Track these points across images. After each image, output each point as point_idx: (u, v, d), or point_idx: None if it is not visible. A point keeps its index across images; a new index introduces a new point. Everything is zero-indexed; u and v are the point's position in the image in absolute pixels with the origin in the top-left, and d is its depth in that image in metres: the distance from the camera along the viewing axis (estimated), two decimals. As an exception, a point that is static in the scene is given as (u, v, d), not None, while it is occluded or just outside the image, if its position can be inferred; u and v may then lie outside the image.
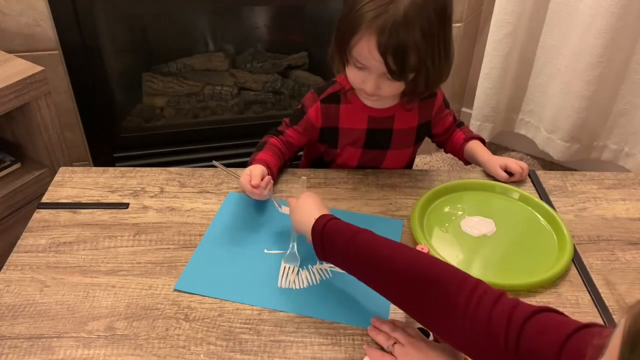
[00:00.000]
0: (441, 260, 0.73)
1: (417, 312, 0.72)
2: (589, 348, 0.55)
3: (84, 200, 1.05)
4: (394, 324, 0.79)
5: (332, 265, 0.92)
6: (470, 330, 0.65)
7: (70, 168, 1.14)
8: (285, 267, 0.91)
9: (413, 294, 0.71)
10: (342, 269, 0.81)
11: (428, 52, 0.91)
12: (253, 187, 0.96)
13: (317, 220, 0.82)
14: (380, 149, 1.13)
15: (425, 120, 1.13)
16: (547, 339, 0.59)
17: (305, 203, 0.88)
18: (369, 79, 0.96)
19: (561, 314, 0.64)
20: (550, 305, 0.65)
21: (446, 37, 0.94)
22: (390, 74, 0.92)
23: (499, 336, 0.62)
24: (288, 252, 0.93)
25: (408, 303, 0.73)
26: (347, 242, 0.77)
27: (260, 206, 1.04)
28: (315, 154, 1.19)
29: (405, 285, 0.71)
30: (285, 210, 0.97)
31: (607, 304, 0.86)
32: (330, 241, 0.80)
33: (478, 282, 0.68)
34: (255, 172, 0.98)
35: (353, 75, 0.98)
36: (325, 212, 0.85)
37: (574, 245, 0.96)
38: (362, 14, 0.89)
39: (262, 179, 0.97)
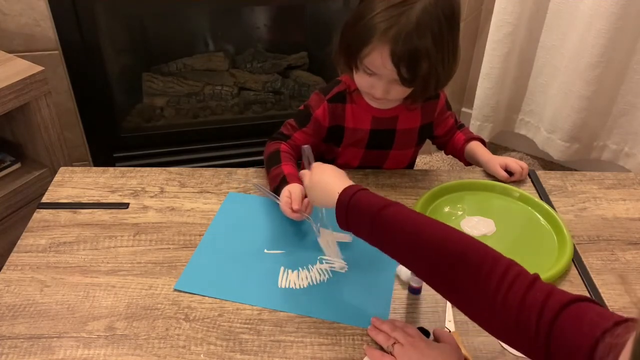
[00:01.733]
0: (472, 238, 0.69)
1: (446, 291, 0.69)
2: (601, 345, 0.54)
3: (84, 200, 1.05)
4: (393, 324, 0.79)
5: (332, 265, 0.92)
6: (500, 314, 0.62)
7: (70, 168, 1.14)
8: (334, 252, 0.89)
9: (442, 272, 0.68)
10: (369, 243, 0.76)
11: (439, 57, 0.91)
12: (294, 211, 0.93)
13: (344, 192, 0.78)
14: (382, 149, 1.13)
15: (427, 122, 1.13)
16: (582, 331, 0.56)
17: (323, 175, 0.85)
18: (379, 85, 0.96)
19: (598, 304, 0.60)
20: None
21: (454, 40, 0.94)
22: (402, 81, 0.92)
23: (529, 323, 0.59)
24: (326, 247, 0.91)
25: (437, 281, 0.70)
26: (373, 216, 0.73)
27: (260, 206, 1.04)
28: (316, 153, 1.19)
29: (434, 263, 0.68)
30: (324, 240, 0.92)
31: (607, 304, 0.86)
32: (356, 215, 0.76)
33: (511, 264, 0.65)
34: (295, 195, 0.95)
35: (362, 80, 0.98)
36: (348, 182, 0.81)
37: (574, 245, 0.96)
38: (374, 24, 0.88)
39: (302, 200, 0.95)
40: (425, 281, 0.73)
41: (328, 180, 0.83)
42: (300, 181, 0.98)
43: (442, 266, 0.68)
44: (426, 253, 0.69)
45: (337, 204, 0.78)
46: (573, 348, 0.56)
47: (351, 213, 0.76)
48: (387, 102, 1.03)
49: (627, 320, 0.56)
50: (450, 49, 0.93)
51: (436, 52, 0.90)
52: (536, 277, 0.64)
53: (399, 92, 0.97)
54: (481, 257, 0.66)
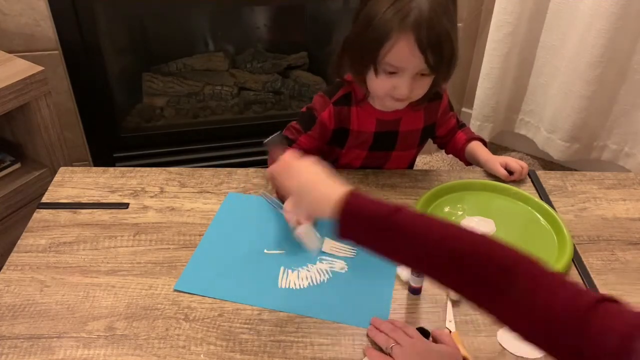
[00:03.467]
0: (492, 240, 0.65)
1: (471, 295, 0.64)
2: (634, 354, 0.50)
3: (84, 200, 1.05)
4: (393, 324, 0.79)
5: (332, 265, 0.92)
6: (527, 315, 0.59)
7: (70, 168, 1.14)
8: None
9: (465, 277, 0.64)
10: (376, 253, 0.69)
11: (454, 36, 0.91)
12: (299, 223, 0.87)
13: (345, 199, 0.68)
14: (385, 151, 1.13)
15: (431, 122, 1.13)
16: (616, 330, 0.53)
17: (312, 177, 0.73)
18: (402, 82, 0.93)
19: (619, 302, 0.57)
20: None
21: (456, 18, 0.95)
22: (429, 69, 0.91)
23: (561, 323, 0.56)
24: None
25: (461, 287, 0.65)
26: (384, 222, 0.66)
27: (260, 206, 1.04)
28: (318, 154, 1.18)
29: (456, 268, 0.64)
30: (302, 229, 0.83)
31: (607, 304, 0.86)
32: (361, 224, 0.68)
33: (534, 263, 0.62)
34: None
35: (383, 83, 0.95)
36: (338, 183, 0.71)
37: (574, 245, 0.96)
38: (387, 19, 0.88)
39: None
40: (449, 287, 0.67)
41: (319, 186, 0.72)
42: None
43: (466, 272, 0.63)
44: (448, 260, 0.64)
45: (340, 212, 0.68)
46: (608, 345, 0.53)
47: (353, 222, 0.68)
48: (402, 103, 1.01)
49: None
50: (456, 26, 0.94)
51: (452, 31, 0.90)
52: (561, 276, 0.60)
53: (423, 87, 0.97)
54: (505, 259, 0.63)
